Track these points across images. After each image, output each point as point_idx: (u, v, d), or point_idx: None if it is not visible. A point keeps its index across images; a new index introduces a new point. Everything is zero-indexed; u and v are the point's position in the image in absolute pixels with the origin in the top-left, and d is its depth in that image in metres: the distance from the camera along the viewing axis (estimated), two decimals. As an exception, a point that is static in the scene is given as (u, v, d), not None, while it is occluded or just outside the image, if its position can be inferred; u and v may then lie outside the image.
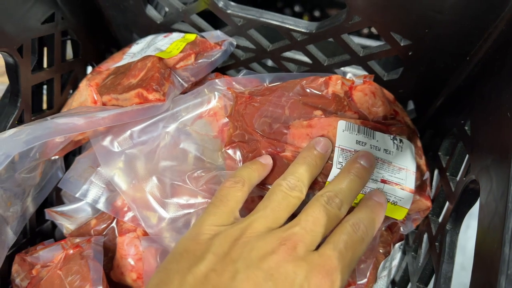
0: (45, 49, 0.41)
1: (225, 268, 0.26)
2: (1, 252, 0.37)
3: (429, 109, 0.44)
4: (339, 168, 0.34)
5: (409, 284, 0.39)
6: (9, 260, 0.42)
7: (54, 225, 0.48)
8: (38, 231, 0.45)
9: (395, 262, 0.43)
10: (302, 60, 0.44)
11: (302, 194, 0.31)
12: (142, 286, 0.40)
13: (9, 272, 0.42)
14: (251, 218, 0.29)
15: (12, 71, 0.36)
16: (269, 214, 0.29)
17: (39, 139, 0.31)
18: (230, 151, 0.36)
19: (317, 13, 0.69)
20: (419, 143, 0.39)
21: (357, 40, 0.59)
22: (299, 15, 0.73)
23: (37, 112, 0.41)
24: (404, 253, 0.43)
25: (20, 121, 0.38)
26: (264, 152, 0.35)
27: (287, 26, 0.40)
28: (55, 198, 0.46)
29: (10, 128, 0.37)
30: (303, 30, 0.40)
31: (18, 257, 0.41)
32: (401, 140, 0.37)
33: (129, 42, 0.50)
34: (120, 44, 0.51)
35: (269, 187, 0.35)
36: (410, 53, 0.38)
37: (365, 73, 0.43)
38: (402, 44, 0.37)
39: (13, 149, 0.29)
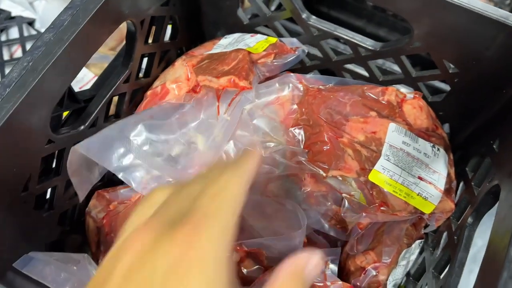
0: (153, 28, 0.49)
1: None
2: (89, 184, 0.45)
3: (462, 133, 0.51)
4: (386, 160, 0.41)
5: (424, 274, 0.46)
6: (87, 196, 0.50)
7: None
8: (110, 179, 0.53)
9: (413, 257, 0.49)
10: (360, 73, 0.52)
11: None
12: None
13: (84, 206, 0.50)
14: None
15: (131, 38, 0.45)
16: None
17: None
18: (295, 131, 0.44)
19: (382, 33, 0.76)
20: (451, 156, 0.46)
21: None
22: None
23: (137, 79, 0.49)
24: (421, 251, 0.50)
25: (126, 81, 0.46)
26: (325, 134, 0.42)
27: (356, 41, 0.48)
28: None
29: (118, 86, 0.45)
30: (369, 47, 0.47)
31: (97, 193, 0.49)
32: (438, 149, 0.44)
33: (211, 37, 0.59)
34: (205, 38, 0.59)
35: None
36: (456, 80, 0.45)
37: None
38: (450, 72, 0.45)
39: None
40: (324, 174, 0.43)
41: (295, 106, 0.46)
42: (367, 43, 0.48)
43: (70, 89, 0.40)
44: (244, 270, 0.45)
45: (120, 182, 0.54)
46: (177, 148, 0.46)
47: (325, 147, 0.42)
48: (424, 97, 0.50)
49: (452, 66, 0.44)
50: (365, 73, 0.52)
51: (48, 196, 0.43)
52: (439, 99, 0.49)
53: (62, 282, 0.38)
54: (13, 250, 0.39)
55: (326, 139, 0.42)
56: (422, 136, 0.44)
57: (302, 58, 0.53)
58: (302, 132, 0.44)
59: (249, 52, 0.47)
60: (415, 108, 0.46)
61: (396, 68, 0.60)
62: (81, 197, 0.44)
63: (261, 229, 0.45)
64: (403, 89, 0.48)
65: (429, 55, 0.44)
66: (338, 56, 0.52)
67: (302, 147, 0.44)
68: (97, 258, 0.48)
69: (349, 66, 0.52)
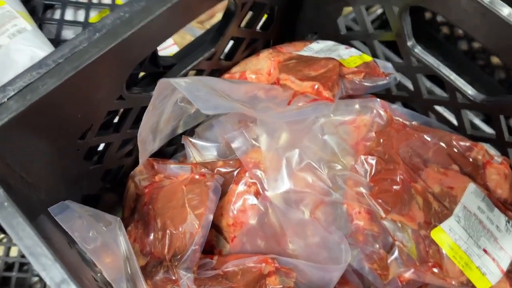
0: (250, 13, 0.47)
1: None
2: (150, 152, 0.43)
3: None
4: (456, 221, 0.38)
5: None
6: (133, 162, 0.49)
7: (174, 152, 0.54)
8: (162, 151, 0.52)
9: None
10: (448, 119, 0.48)
11: None
12: (231, 233, 0.45)
13: (130, 169, 0.49)
14: None
15: (228, 17, 0.43)
16: None
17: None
18: (365, 160, 0.41)
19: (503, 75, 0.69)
20: (525, 237, 0.42)
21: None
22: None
23: (219, 60, 0.47)
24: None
25: (209, 59, 0.45)
26: (399, 174, 0.39)
27: (456, 85, 0.44)
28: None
29: (200, 62, 0.44)
30: (469, 96, 0.43)
31: (148, 160, 0.48)
32: (513, 226, 0.40)
33: (301, 37, 0.56)
34: (294, 36, 0.57)
35: None
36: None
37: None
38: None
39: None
40: (383, 215, 0.40)
41: (372, 134, 0.43)
42: (469, 91, 0.44)
43: (155, 52, 0.39)
44: (269, 286, 0.43)
45: (168, 157, 0.54)
46: (240, 139, 0.44)
47: (395, 186, 0.39)
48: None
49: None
50: (454, 121, 0.48)
51: (100, 150, 0.43)
52: (527, 172, 0.44)
53: (89, 239, 0.37)
54: (52, 193, 0.38)
55: (398, 179, 0.39)
56: (499, 207, 0.40)
57: (391, 86, 0.49)
58: (374, 163, 0.40)
59: (341, 64, 0.44)
60: (500, 174, 0.42)
61: (484, 126, 0.55)
62: (142, 162, 0.43)
63: (297, 248, 0.42)
64: (491, 150, 0.44)
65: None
66: (430, 95, 0.48)
67: (368, 179, 0.41)
68: (127, 224, 0.47)
69: (439, 109, 0.49)
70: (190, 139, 0.48)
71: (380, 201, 0.40)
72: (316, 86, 0.42)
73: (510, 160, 0.43)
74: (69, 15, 0.74)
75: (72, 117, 0.34)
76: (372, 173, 0.40)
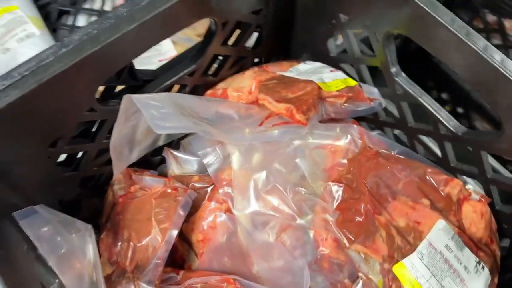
0: (237, 31, 0.48)
1: None
2: (126, 163, 0.44)
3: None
4: (419, 258, 0.36)
5: None
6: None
7: (161, 161, 0.55)
8: (148, 160, 0.53)
9: None
10: (433, 150, 0.47)
11: None
12: (200, 249, 0.45)
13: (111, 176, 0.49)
14: None
15: (209, 36, 0.43)
16: None
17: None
18: (333, 187, 0.40)
19: (460, 110, 0.70)
20: (495, 280, 0.40)
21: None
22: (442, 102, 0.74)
23: (204, 75, 0.48)
24: None
25: (190, 75, 0.45)
26: (363, 204, 0.38)
27: (439, 116, 0.43)
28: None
29: (181, 77, 0.44)
30: (450, 128, 0.42)
31: (126, 170, 0.48)
32: (483, 267, 0.38)
33: (296, 56, 0.56)
34: (290, 55, 0.57)
35: None
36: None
37: (483, 192, 0.44)
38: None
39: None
40: (348, 245, 0.39)
41: (345, 160, 0.42)
42: (450, 122, 0.42)
43: (131, 66, 0.40)
44: (231, 305, 0.42)
45: (154, 167, 0.54)
46: (212, 157, 0.44)
47: (357, 218, 0.38)
48: (492, 203, 0.43)
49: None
50: (438, 152, 0.46)
51: (77, 158, 0.44)
52: (508, 211, 0.42)
53: (53, 247, 0.38)
54: (25, 198, 0.40)
55: (362, 210, 0.38)
56: (470, 246, 0.39)
57: (377, 111, 0.48)
58: (340, 191, 0.40)
59: (319, 88, 0.44)
60: (476, 212, 0.40)
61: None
62: (116, 174, 0.44)
63: (261, 270, 0.42)
64: (470, 185, 0.42)
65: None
66: (416, 123, 0.47)
67: (334, 206, 0.40)
68: (103, 231, 0.48)
69: (424, 139, 0.47)
70: (172, 151, 0.49)
71: (344, 230, 0.39)
72: (290, 109, 0.42)
73: (489, 198, 0.41)
74: (81, 21, 0.77)
75: (39, 127, 0.35)
76: (339, 201, 0.40)
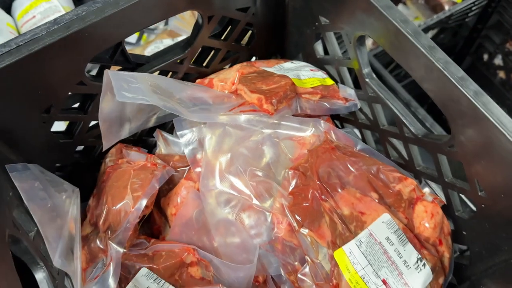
0: (229, 27, 0.52)
1: None
2: (116, 137, 0.49)
3: (481, 265, 0.44)
4: (357, 245, 0.38)
5: None
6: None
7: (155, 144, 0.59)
8: (142, 139, 0.57)
9: None
10: (401, 154, 0.48)
11: None
12: (172, 222, 0.49)
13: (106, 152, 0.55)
14: None
15: (196, 28, 0.48)
16: None
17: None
18: (290, 174, 0.43)
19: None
20: (440, 280, 0.41)
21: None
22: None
23: (196, 64, 0.52)
24: None
25: (180, 63, 0.50)
26: (311, 190, 0.41)
27: (402, 119, 0.44)
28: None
29: (170, 63, 0.49)
30: (412, 130, 0.44)
31: (119, 145, 0.54)
32: (424, 264, 0.40)
33: (292, 57, 0.59)
34: (286, 54, 0.60)
35: None
36: (482, 205, 0.40)
37: (442, 195, 0.45)
38: (479, 194, 0.39)
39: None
40: (297, 227, 0.41)
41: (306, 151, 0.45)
42: (412, 126, 0.44)
43: (123, 49, 0.45)
44: (192, 275, 0.46)
45: (150, 145, 0.59)
46: (189, 137, 0.48)
47: (305, 203, 0.41)
48: (450, 208, 0.44)
49: (481, 189, 0.39)
50: (405, 155, 0.48)
51: (71, 127, 0.49)
52: (466, 217, 0.43)
53: (36, 199, 0.43)
54: (22, 157, 0.45)
55: (309, 196, 0.41)
56: (414, 243, 0.40)
57: (353, 110, 0.51)
58: (296, 178, 0.42)
59: (293, 83, 0.47)
60: (427, 212, 0.41)
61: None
62: (105, 146, 0.48)
63: (219, 244, 0.45)
64: (427, 188, 0.43)
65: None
66: (386, 126, 0.49)
67: (289, 191, 0.43)
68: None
69: (395, 142, 0.49)
70: (162, 132, 0.54)
71: (294, 214, 0.41)
72: (261, 99, 0.45)
73: (443, 201, 0.43)
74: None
75: (32, 92, 0.41)
76: (292, 186, 0.42)
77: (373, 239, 0.39)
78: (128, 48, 0.46)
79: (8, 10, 0.80)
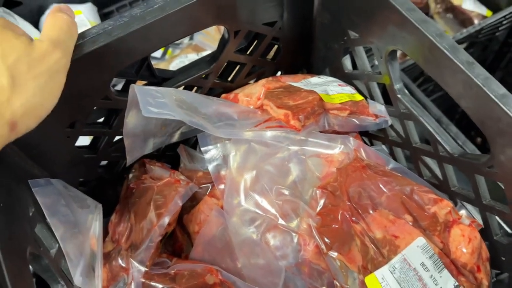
0: (255, 41, 0.51)
1: None
2: (140, 152, 0.48)
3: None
4: (390, 271, 0.36)
5: None
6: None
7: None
8: (166, 154, 0.57)
9: None
10: (435, 173, 0.46)
11: None
12: (195, 240, 0.47)
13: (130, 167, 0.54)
14: None
15: (222, 42, 0.47)
16: None
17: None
18: (318, 193, 0.41)
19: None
20: (479, 310, 0.38)
21: None
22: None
23: (221, 79, 0.51)
24: None
25: (205, 78, 0.49)
26: (340, 212, 0.39)
27: (437, 137, 0.42)
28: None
29: (195, 78, 0.48)
30: (447, 149, 0.42)
31: (142, 160, 0.53)
32: (462, 293, 0.37)
33: (319, 71, 0.58)
34: (312, 69, 0.59)
35: None
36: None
37: (479, 218, 0.43)
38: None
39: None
40: (325, 250, 0.40)
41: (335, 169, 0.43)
42: (447, 144, 0.42)
43: (148, 63, 0.44)
44: (213, 296, 0.44)
45: (174, 161, 0.58)
46: (213, 153, 0.47)
47: (334, 225, 0.39)
48: (488, 232, 0.42)
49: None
50: (440, 175, 0.45)
51: (97, 142, 0.49)
52: (505, 242, 0.41)
53: (60, 216, 0.43)
54: (46, 171, 0.45)
55: (339, 217, 0.39)
56: (451, 269, 0.38)
57: (383, 127, 0.49)
58: (324, 197, 0.41)
59: (321, 99, 0.45)
60: (464, 236, 0.39)
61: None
62: (129, 161, 0.47)
63: (243, 265, 0.44)
64: (463, 211, 0.41)
65: None
66: (419, 144, 0.47)
67: (316, 212, 0.41)
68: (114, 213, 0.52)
69: (428, 160, 0.47)
70: (186, 148, 0.53)
71: (322, 235, 0.40)
72: (288, 115, 0.44)
73: (481, 224, 0.40)
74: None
75: (57, 107, 0.40)
76: (321, 207, 0.41)
77: (407, 265, 0.37)
78: (153, 63, 0.46)
79: (36, 25, 0.82)
